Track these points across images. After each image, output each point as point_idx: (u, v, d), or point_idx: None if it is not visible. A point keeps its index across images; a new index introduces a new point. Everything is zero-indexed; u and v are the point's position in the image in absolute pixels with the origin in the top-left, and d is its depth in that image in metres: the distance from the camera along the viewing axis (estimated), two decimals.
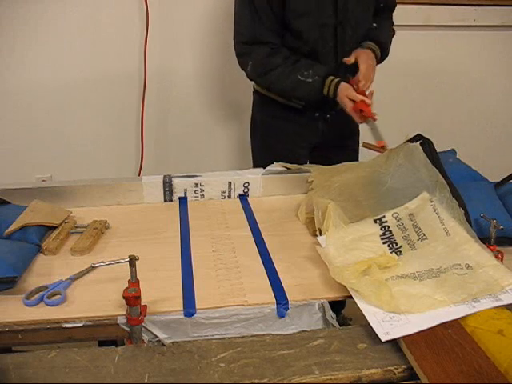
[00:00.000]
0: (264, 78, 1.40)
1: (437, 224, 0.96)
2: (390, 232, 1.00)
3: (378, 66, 1.44)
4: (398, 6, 2.02)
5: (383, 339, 0.76)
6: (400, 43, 2.13)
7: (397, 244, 0.97)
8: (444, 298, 0.82)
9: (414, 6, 2.06)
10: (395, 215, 1.01)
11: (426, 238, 0.95)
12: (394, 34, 1.54)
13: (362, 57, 1.37)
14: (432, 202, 0.99)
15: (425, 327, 0.77)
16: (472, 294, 0.82)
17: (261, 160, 1.52)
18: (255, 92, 1.55)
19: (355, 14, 1.38)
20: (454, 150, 1.29)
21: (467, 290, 0.83)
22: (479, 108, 2.34)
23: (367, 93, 1.33)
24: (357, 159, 1.58)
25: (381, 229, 1.01)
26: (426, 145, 1.13)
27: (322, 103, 1.44)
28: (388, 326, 0.78)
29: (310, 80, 1.34)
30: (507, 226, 0.98)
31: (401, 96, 2.20)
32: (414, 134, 1.19)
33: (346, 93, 1.31)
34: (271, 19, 1.34)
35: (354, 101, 1.29)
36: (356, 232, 1.00)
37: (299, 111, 1.46)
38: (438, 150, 1.14)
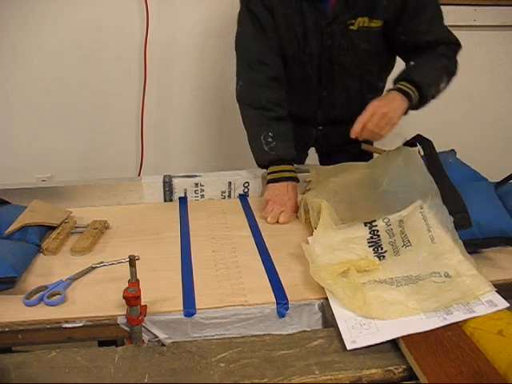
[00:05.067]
0: (242, 106, 1.30)
1: (423, 231, 0.95)
2: (378, 236, 0.99)
3: None
4: None
5: (349, 347, 0.76)
6: None
7: (382, 248, 0.97)
8: (416, 306, 0.82)
9: None
10: (386, 220, 1.01)
11: (410, 245, 0.95)
12: (449, 72, 1.26)
13: (378, 98, 1.15)
14: (422, 208, 0.98)
15: (391, 337, 0.77)
16: (444, 303, 0.81)
17: None
18: None
19: (346, 54, 1.26)
20: (453, 150, 1.29)
21: (440, 299, 0.82)
22: (479, 108, 2.34)
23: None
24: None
25: (370, 232, 1.00)
26: (426, 145, 1.13)
27: (312, 117, 1.41)
28: (356, 333, 0.78)
29: (266, 149, 1.21)
30: (507, 226, 0.98)
31: None
32: (414, 134, 1.19)
33: (276, 197, 1.18)
34: (274, 34, 1.25)
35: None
36: (345, 233, 1.00)
37: (294, 115, 1.40)
38: (437, 150, 1.14)
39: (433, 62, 1.24)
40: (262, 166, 1.26)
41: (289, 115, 1.31)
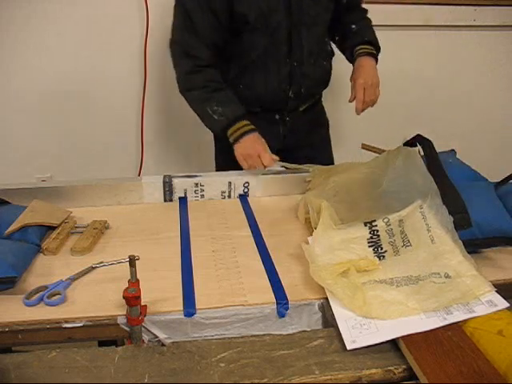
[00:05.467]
0: (185, 94, 1.37)
1: (423, 231, 0.95)
2: (378, 236, 0.99)
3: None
4: (399, 6, 2.02)
5: (349, 347, 0.75)
6: (400, 43, 2.13)
7: (382, 248, 0.97)
8: (416, 306, 0.81)
9: (414, 6, 2.06)
10: (386, 220, 1.01)
11: (410, 245, 0.94)
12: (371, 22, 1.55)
13: (358, 73, 1.38)
14: (421, 208, 0.98)
15: (391, 337, 0.77)
16: (444, 303, 0.81)
17: (223, 164, 1.52)
18: None
19: (311, 13, 1.33)
20: (453, 150, 1.28)
21: (440, 299, 0.82)
22: (479, 108, 2.35)
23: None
24: (328, 157, 1.59)
25: (370, 232, 1.00)
26: (426, 145, 1.13)
27: (280, 106, 1.42)
28: (356, 333, 0.78)
29: (216, 117, 1.29)
30: (507, 226, 0.98)
31: (400, 96, 2.20)
32: (414, 134, 1.19)
33: (246, 151, 1.24)
34: (206, 30, 1.29)
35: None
36: (345, 233, 1.00)
37: (257, 114, 1.41)
38: (437, 150, 1.14)
39: (366, 21, 1.51)
40: (220, 134, 1.31)
41: (259, 110, 1.37)
